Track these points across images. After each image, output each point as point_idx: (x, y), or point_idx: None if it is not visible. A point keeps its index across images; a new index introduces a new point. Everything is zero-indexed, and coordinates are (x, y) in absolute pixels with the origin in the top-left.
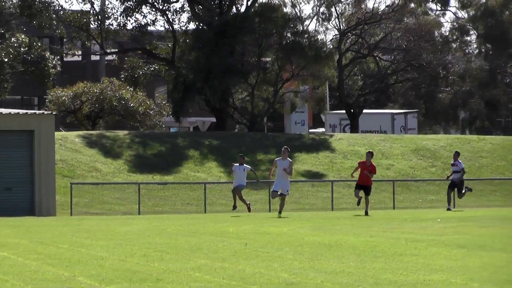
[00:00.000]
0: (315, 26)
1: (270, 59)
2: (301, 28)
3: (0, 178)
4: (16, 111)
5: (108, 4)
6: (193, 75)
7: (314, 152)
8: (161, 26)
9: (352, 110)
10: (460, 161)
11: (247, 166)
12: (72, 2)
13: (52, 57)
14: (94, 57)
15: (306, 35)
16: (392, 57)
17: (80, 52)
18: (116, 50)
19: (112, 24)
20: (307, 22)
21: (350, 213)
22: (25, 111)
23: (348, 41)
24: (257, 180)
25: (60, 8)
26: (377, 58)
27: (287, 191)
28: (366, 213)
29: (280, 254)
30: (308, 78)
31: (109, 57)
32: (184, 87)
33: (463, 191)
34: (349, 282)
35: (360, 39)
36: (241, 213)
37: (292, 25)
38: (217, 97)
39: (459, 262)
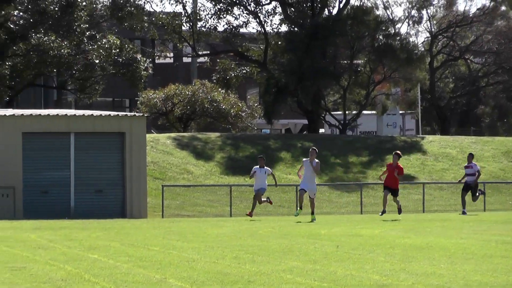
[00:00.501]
0: (407, 29)
1: (362, 61)
2: (393, 31)
3: (91, 181)
4: (107, 113)
5: (200, 6)
6: (285, 77)
7: (406, 154)
8: (253, 28)
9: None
10: (475, 163)
11: (268, 168)
12: (164, 5)
13: (144, 59)
14: (186, 59)
15: (398, 38)
16: (483, 60)
17: (172, 54)
18: (208, 52)
19: (204, 26)
20: (398, 25)
21: (441, 215)
22: (116, 113)
23: (439, 43)
24: (276, 185)
25: (152, 11)
26: (468, 60)
27: (314, 194)
28: (399, 212)
29: (372, 256)
30: (399, 81)
31: (201, 59)
32: (276, 89)
33: (477, 194)
34: (440, 284)
35: (451, 42)
36: (332, 215)
37: (384, 28)
38: (309, 99)
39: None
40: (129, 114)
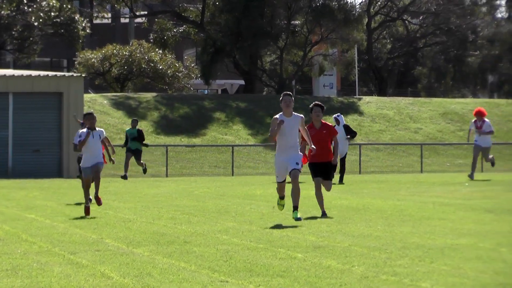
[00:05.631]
0: None
1: (299, 22)
2: None
3: (29, 140)
4: (45, 73)
5: None
6: (223, 38)
7: (343, 115)
8: None
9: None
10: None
11: (102, 130)
12: None
13: (82, 19)
14: (123, 20)
15: None
16: (421, 21)
17: (109, 15)
18: (146, 12)
19: None
20: None
21: (378, 177)
22: (54, 73)
23: (377, 4)
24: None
25: None
26: (406, 21)
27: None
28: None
29: (308, 218)
30: (337, 41)
31: (138, 20)
32: (213, 49)
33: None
34: (377, 246)
35: (389, 2)
36: (268, 176)
37: None
38: (246, 59)
39: (487, 226)
40: (67, 74)
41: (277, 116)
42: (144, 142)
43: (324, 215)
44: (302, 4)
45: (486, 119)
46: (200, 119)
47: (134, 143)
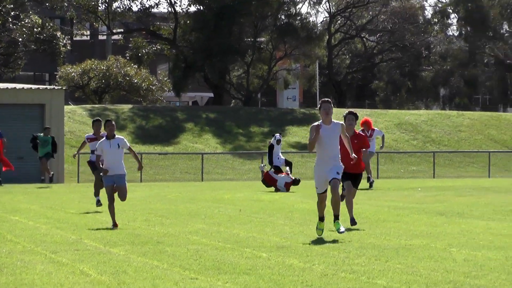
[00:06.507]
0: (307, 9)
1: (265, 39)
2: (294, 11)
3: (14, 148)
4: (28, 86)
5: None
6: (193, 54)
7: (305, 125)
8: (164, 8)
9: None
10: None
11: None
12: None
13: (63, 36)
14: (102, 37)
15: (298, 17)
16: (378, 38)
17: (88, 32)
18: (122, 30)
19: (119, 7)
20: (299, 5)
21: None
22: (37, 86)
23: (337, 23)
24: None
25: None
26: (364, 39)
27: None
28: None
29: (272, 220)
30: (300, 57)
31: (116, 37)
32: (184, 65)
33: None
34: (336, 246)
35: (348, 21)
36: (235, 181)
37: (286, 8)
38: (216, 74)
39: (439, 228)
40: (48, 87)
41: (315, 124)
42: (54, 151)
43: (353, 221)
44: (268, 23)
45: (375, 128)
46: (172, 129)
47: (45, 149)
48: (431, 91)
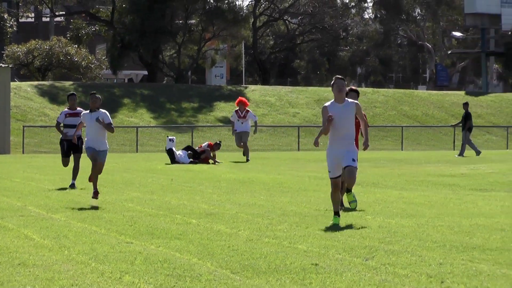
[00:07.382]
0: None
1: (195, 21)
2: None
3: None
4: None
5: None
6: (129, 35)
7: (232, 101)
8: None
9: (264, 65)
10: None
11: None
12: None
13: (10, 18)
14: (45, 19)
15: (226, 1)
16: (300, 21)
17: (33, 15)
18: (64, 13)
19: None
20: None
21: (261, 154)
22: None
23: (262, 6)
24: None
25: None
26: (286, 21)
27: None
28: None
29: (201, 189)
30: (227, 38)
31: (58, 19)
32: (120, 44)
33: None
34: (260, 213)
35: (272, 5)
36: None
37: None
38: (149, 53)
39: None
40: None
41: (327, 104)
42: None
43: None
44: (198, 6)
45: (249, 109)
46: (110, 104)
47: None
48: (348, 70)
